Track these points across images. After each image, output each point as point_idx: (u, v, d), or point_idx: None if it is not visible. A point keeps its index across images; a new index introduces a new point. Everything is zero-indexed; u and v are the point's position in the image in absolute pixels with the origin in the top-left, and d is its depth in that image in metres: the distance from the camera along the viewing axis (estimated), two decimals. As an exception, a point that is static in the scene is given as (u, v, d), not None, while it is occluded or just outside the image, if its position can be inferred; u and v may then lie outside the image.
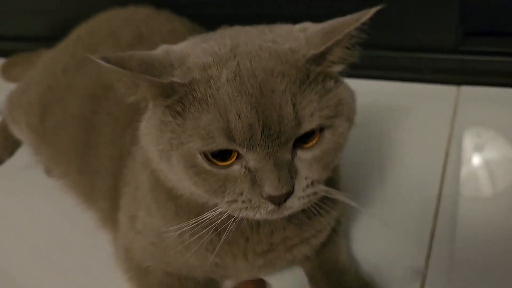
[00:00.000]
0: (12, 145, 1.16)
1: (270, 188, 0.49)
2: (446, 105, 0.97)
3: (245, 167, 0.50)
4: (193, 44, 0.56)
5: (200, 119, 0.49)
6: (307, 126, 0.49)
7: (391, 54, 1.03)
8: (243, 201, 0.51)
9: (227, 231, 0.56)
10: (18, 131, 1.06)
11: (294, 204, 0.52)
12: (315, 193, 0.53)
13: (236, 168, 0.51)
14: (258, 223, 0.62)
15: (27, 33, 1.55)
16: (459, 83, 0.99)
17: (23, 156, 1.14)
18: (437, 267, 0.73)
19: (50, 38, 1.07)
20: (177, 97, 0.50)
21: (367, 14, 0.50)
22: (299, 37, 0.53)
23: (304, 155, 0.52)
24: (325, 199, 0.58)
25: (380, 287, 0.71)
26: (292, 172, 0.51)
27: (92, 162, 0.83)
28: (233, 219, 0.54)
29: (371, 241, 0.78)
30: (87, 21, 1.03)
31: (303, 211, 0.58)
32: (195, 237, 0.64)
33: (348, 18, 0.51)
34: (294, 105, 0.48)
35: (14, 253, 0.92)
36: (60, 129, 0.89)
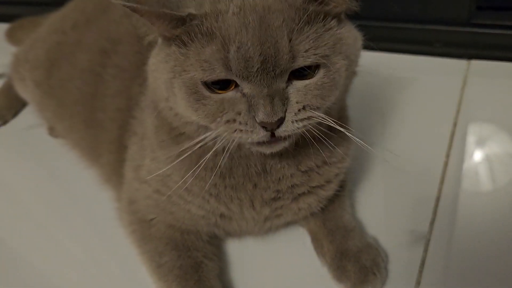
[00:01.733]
0: (16, 106, 1.16)
1: (262, 114, 0.52)
2: (456, 78, 0.96)
3: (242, 93, 0.53)
4: None
5: (203, 50, 0.52)
6: (301, 62, 0.52)
7: (403, 25, 1.02)
8: (240, 122, 0.54)
9: (230, 172, 0.61)
10: (22, 89, 1.06)
11: (288, 127, 0.54)
12: (309, 118, 0.54)
13: (233, 93, 0.54)
14: (265, 169, 0.63)
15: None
16: (469, 57, 0.98)
17: (27, 117, 1.15)
18: (440, 232, 0.73)
19: (56, 3, 1.05)
20: (186, 27, 0.52)
21: None
22: None
23: (297, 85, 0.54)
24: (331, 138, 0.60)
25: (383, 249, 0.71)
26: (284, 100, 0.53)
27: (98, 115, 0.82)
28: (227, 148, 0.57)
29: (375, 205, 0.78)
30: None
31: (307, 146, 0.60)
32: (198, 179, 0.65)
33: None
34: (290, 40, 0.50)
35: (15, 215, 0.91)
36: (67, 83, 0.89)
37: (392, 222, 0.75)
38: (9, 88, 1.14)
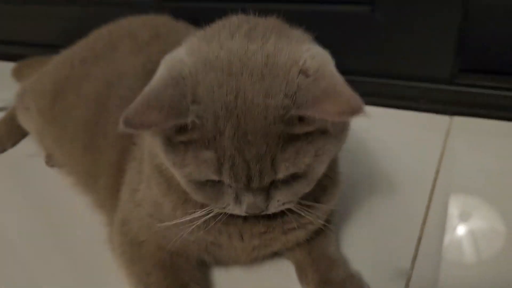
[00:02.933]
0: (16, 136, 1.19)
1: (246, 208, 0.61)
2: (439, 133, 1.02)
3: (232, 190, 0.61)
4: (198, 53, 0.59)
5: (201, 153, 0.57)
6: (281, 175, 0.58)
7: (390, 81, 1.09)
8: (229, 209, 0.63)
9: (220, 218, 0.66)
10: (26, 118, 1.10)
11: (270, 212, 0.63)
12: (288, 205, 0.63)
13: (226, 188, 0.61)
14: None
15: (40, 39, 1.62)
16: (452, 113, 1.05)
17: (25, 146, 1.19)
18: (422, 268, 0.75)
19: (63, 46, 1.11)
20: (189, 134, 0.56)
21: (358, 112, 0.51)
22: (294, 83, 0.55)
23: (278, 188, 0.61)
24: (321, 182, 0.65)
25: (365, 281, 0.72)
26: (266, 198, 0.61)
27: (99, 141, 0.86)
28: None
29: (358, 242, 0.81)
30: (108, 24, 1.10)
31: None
32: (187, 214, 0.68)
33: (343, 99, 0.53)
34: (272, 160, 0.56)
35: (12, 240, 0.92)
36: (70, 111, 0.94)
37: (375, 258, 0.77)
38: (11, 117, 1.18)
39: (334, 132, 0.58)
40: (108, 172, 0.84)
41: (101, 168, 0.85)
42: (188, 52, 0.59)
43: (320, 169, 0.61)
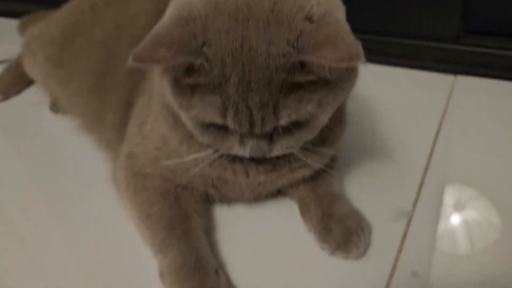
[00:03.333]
0: (21, 84, 1.19)
1: (250, 151, 0.63)
2: (442, 91, 1.03)
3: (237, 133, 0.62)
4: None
5: (208, 96, 0.58)
6: (283, 122, 0.59)
7: (395, 40, 1.10)
8: (234, 151, 0.65)
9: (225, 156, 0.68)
10: (32, 64, 1.09)
11: (273, 155, 0.65)
12: (294, 147, 0.65)
13: (231, 132, 0.62)
14: None
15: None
16: (456, 72, 1.06)
17: (30, 95, 1.19)
18: (423, 210, 0.77)
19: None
20: (197, 77, 0.57)
21: (355, 60, 0.52)
22: (298, 29, 0.55)
23: (281, 134, 0.62)
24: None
25: (367, 219, 0.74)
26: (269, 142, 0.63)
27: (108, 80, 0.86)
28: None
29: (361, 183, 0.82)
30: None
31: None
32: (193, 150, 0.69)
33: (343, 45, 0.53)
34: (275, 107, 0.57)
35: (17, 188, 0.92)
36: (79, 54, 0.94)
37: (377, 199, 0.79)
38: (16, 66, 1.18)
39: (338, 81, 0.59)
40: (116, 108, 0.84)
41: (109, 106, 0.86)
42: None
43: (323, 118, 0.62)
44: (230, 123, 0.59)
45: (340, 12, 0.60)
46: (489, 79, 1.03)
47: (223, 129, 0.62)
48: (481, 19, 1.03)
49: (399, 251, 0.71)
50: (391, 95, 1.03)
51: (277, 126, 0.60)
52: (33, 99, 1.16)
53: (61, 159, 0.97)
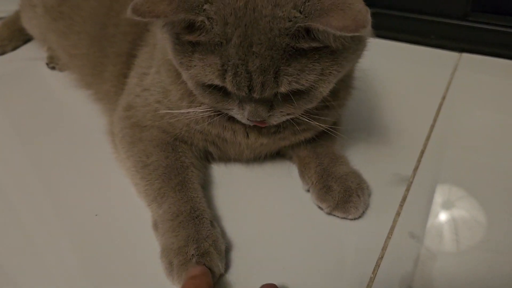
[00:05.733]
0: (18, 40, 1.17)
1: (248, 115, 0.61)
2: (446, 68, 1.02)
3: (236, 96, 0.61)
4: None
5: (207, 57, 0.57)
6: (283, 89, 0.57)
7: (401, 14, 1.08)
8: (233, 113, 0.64)
9: (223, 115, 0.66)
10: (30, 17, 1.07)
11: (273, 122, 0.64)
12: (292, 114, 0.63)
13: (230, 94, 0.61)
14: None
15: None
16: (461, 50, 1.05)
17: (27, 51, 1.17)
18: (423, 177, 0.76)
19: None
20: (198, 35, 0.55)
21: (364, 27, 0.50)
22: None
23: (281, 100, 0.60)
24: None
25: (367, 181, 0.72)
26: (268, 107, 0.61)
27: (109, 31, 0.84)
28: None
29: (363, 150, 0.81)
30: None
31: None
32: (193, 105, 0.67)
33: (350, 13, 0.51)
34: (276, 73, 0.56)
35: (7, 144, 0.90)
36: (80, 4, 0.91)
37: (378, 166, 0.78)
38: (13, 20, 1.16)
39: (343, 51, 0.57)
40: (117, 60, 0.82)
41: (110, 57, 0.84)
42: None
43: (325, 89, 0.60)
44: (229, 86, 0.57)
45: None
46: (494, 58, 1.02)
47: (222, 91, 0.60)
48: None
49: (398, 214, 0.69)
50: (396, 70, 1.02)
51: (277, 92, 0.58)
52: (30, 55, 1.14)
53: (56, 115, 0.95)
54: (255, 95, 0.58)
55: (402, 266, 0.63)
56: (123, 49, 0.82)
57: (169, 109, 0.70)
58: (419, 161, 0.78)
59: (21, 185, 0.80)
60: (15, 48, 1.17)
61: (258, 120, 0.62)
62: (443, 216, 0.70)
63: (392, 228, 0.67)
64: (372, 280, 0.61)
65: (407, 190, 0.73)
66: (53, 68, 1.06)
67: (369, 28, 0.51)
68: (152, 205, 0.67)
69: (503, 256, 0.63)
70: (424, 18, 1.06)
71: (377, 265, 0.63)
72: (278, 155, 0.79)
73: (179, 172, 0.69)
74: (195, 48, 0.57)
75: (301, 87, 0.57)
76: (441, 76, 0.99)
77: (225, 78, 0.57)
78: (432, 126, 0.85)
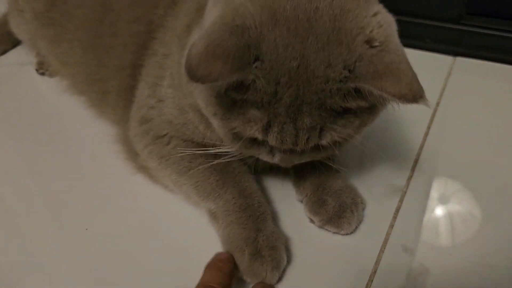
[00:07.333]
0: (6, 44, 1.15)
1: (280, 161, 0.61)
2: (440, 72, 1.01)
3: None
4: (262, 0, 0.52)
5: (249, 111, 0.54)
6: (324, 143, 0.57)
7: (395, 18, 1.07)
8: (261, 157, 0.62)
9: None
10: (18, 23, 1.05)
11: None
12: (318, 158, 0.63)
13: (262, 142, 0.59)
14: None
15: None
16: (455, 54, 1.04)
17: (16, 55, 1.15)
18: (417, 187, 0.75)
19: None
20: (246, 91, 0.52)
21: (419, 100, 0.50)
22: (357, 52, 0.51)
23: (314, 148, 0.58)
24: None
25: (361, 195, 0.72)
26: (301, 155, 0.60)
27: (106, 40, 0.82)
28: None
29: (356, 158, 0.80)
30: None
31: None
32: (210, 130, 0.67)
33: (405, 80, 0.50)
34: (321, 129, 0.55)
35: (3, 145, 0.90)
36: (71, 11, 0.89)
37: (371, 176, 0.77)
38: (2, 24, 1.13)
39: (382, 107, 0.57)
40: (122, 74, 0.80)
41: (111, 70, 0.82)
42: None
43: (357, 138, 0.60)
44: (271, 141, 0.56)
45: (397, 36, 0.56)
46: (488, 62, 1.01)
47: (255, 140, 0.59)
48: (484, 0, 1.00)
49: (391, 226, 0.69)
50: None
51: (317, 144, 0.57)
52: (19, 60, 1.12)
53: (45, 121, 0.94)
54: (298, 149, 0.57)
55: (395, 281, 0.62)
56: (126, 62, 0.80)
57: (185, 123, 0.70)
58: (413, 170, 0.78)
59: (6, 192, 0.79)
60: (3, 52, 1.15)
61: (288, 166, 0.63)
62: (436, 226, 0.70)
63: (386, 241, 0.67)
64: (365, 295, 0.61)
65: (401, 201, 0.73)
66: (42, 74, 1.05)
67: (425, 100, 0.50)
68: (208, 198, 0.68)
69: (500, 270, 0.63)
70: (418, 22, 1.05)
71: (370, 280, 0.63)
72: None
73: (231, 164, 0.69)
74: (235, 103, 0.55)
75: (340, 139, 0.57)
76: (435, 81, 0.98)
77: (268, 133, 0.55)
78: (426, 134, 0.84)
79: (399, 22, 1.05)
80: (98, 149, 0.83)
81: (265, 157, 0.62)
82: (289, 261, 0.65)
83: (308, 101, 0.52)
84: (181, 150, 0.69)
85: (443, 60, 1.04)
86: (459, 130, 0.86)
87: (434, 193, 0.75)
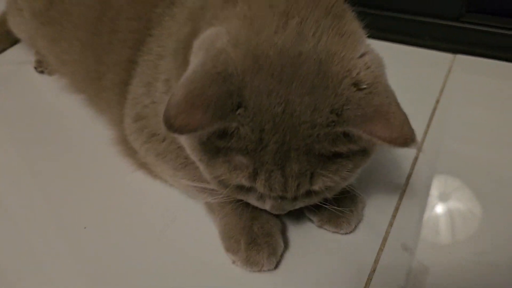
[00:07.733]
0: (5, 41, 1.15)
1: (271, 209, 0.59)
2: (440, 70, 1.00)
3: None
4: (245, 46, 0.51)
5: (234, 158, 0.53)
6: (317, 188, 0.55)
7: (395, 15, 1.07)
8: (252, 202, 0.61)
9: None
10: (17, 21, 1.05)
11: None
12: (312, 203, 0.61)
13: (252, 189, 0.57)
14: None
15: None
16: (455, 51, 1.03)
17: (14, 54, 1.15)
18: (416, 185, 0.75)
19: None
20: (229, 139, 0.51)
21: (410, 144, 0.48)
22: (344, 96, 0.50)
23: (307, 194, 0.57)
24: None
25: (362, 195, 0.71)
26: (293, 202, 0.58)
27: (104, 37, 0.82)
28: None
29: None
30: None
31: None
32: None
33: (396, 123, 0.49)
34: (311, 175, 0.53)
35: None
36: (70, 9, 0.89)
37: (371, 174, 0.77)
38: (0, 24, 1.13)
39: (374, 148, 0.56)
40: (118, 68, 0.79)
41: (107, 65, 0.81)
42: (232, 41, 0.51)
43: (351, 180, 0.59)
44: (260, 188, 0.55)
45: (386, 77, 0.55)
46: (488, 60, 1.01)
47: (243, 186, 0.57)
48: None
49: (390, 224, 0.69)
50: (388, 71, 0.99)
51: (309, 190, 0.56)
52: (18, 59, 1.12)
53: (44, 119, 0.94)
54: (289, 196, 0.56)
55: (394, 280, 0.62)
56: (122, 56, 0.79)
57: None
58: (412, 168, 0.77)
59: (4, 191, 0.79)
60: (2, 50, 1.15)
61: (281, 213, 0.61)
62: (436, 225, 0.70)
63: (385, 240, 0.67)
64: (364, 294, 0.61)
65: (400, 199, 0.72)
66: (41, 72, 1.04)
67: (417, 143, 0.49)
68: (205, 191, 0.67)
69: (501, 268, 0.63)
70: (417, 19, 1.05)
71: (369, 278, 0.63)
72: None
73: None
74: (220, 151, 0.54)
75: (333, 184, 0.55)
76: (435, 78, 0.98)
77: (255, 181, 0.54)
78: (426, 132, 0.84)
79: (399, 20, 1.08)
80: (97, 147, 0.82)
81: (255, 203, 0.60)
82: (286, 248, 0.65)
83: (295, 147, 0.51)
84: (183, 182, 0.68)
85: (443, 57, 1.04)
86: (459, 127, 0.86)
87: (434, 191, 0.74)
